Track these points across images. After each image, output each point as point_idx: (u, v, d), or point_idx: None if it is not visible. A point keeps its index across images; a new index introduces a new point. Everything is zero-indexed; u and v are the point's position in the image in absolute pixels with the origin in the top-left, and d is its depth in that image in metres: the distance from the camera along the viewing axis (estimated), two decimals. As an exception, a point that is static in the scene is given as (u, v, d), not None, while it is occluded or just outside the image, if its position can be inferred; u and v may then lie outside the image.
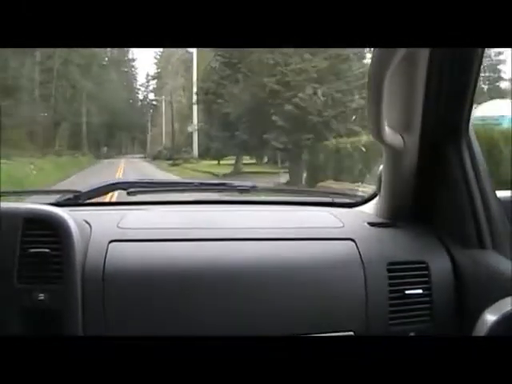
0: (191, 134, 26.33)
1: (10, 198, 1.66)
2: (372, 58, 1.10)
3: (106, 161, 29.47)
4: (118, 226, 1.35)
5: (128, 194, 1.66)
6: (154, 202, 1.86)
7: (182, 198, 1.85)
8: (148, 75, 46.32)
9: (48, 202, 1.55)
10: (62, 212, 1.25)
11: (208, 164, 21.10)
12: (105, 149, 38.58)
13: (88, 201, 1.65)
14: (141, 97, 46.81)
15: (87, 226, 1.32)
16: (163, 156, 29.39)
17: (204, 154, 23.83)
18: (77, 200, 1.63)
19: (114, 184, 1.68)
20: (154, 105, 43.67)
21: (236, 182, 1.78)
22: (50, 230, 1.20)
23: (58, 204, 1.50)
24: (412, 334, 1.27)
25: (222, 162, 21.16)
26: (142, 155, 38.83)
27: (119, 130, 44.44)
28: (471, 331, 0.99)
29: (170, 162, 24.73)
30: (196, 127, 25.24)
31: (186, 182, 1.81)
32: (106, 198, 1.90)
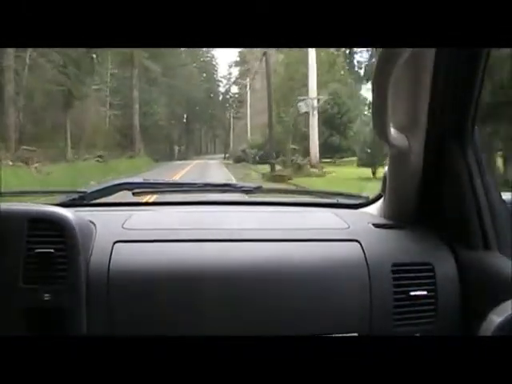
0: (305, 116, 15.43)
1: (14, 198, 1.66)
2: (377, 59, 1.10)
3: (170, 164, 23.17)
4: (122, 227, 1.35)
5: (133, 194, 1.67)
6: (159, 203, 1.86)
7: (187, 198, 1.85)
8: (230, 62, 40.60)
9: (53, 202, 1.55)
10: (67, 212, 1.25)
11: (347, 178, 11.02)
12: (177, 148, 31.56)
13: (93, 201, 1.66)
14: (222, 89, 40.91)
15: (92, 226, 1.32)
16: (249, 158, 22.39)
17: (331, 154, 14.54)
18: (82, 200, 1.64)
19: (119, 184, 1.69)
20: (237, 98, 36.85)
21: (240, 183, 1.78)
22: (55, 231, 1.20)
23: (62, 204, 1.51)
24: (417, 335, 1.27)
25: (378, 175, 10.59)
26: (223, 155, 32.47)
27: (198, 127, 37.81)
28: (476, 333, 0.99)
29: (262, 167, 15.83)
30: (315, 103, 14.52)
31: (190, 183, 1.81)
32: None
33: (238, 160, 24.19)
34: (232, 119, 35.90)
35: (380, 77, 1.11)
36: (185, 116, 35.28)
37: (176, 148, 32.31)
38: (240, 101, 34.97)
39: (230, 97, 40.02)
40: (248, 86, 30.42)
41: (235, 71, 38.65)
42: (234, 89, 39.67)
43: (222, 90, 41.46)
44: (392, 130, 1.24)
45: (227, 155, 32.00)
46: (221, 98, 41.11)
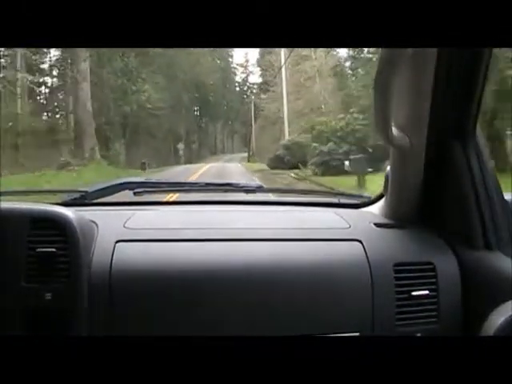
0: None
1: (15, 197, 1.67)
2: (379, 59, 1.10)
3: (163, 174, 14.33)
4: (124, 226, 1.35)
5: (134, 194, 1.67)
6: (161, 202, 1.86)
7: (189, 198, 1.86)
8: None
9: (54, 201, 1.56)
10: (69, 212, 1.25)
11: None
12: (181, 147, 23.61)
13: (94, 201, 1.66)
14: (239, 79, 34.45)
15: (94, 225, 1.33)
16: (298, 161, 14.03)
17: None
18: (83, 200, 1.64)
19: (120, 184, 1.69)
20: (259, 85, 29.13)
21: (242, 182, 1.78)
22: (57, 230, 1.20)
23: (64, 204, 1.51)
24: (418, 335, 1.26)
25: None
26: (243, 155, 25.47)
27: (212, 121, 30.81)
28: (477, 333, 0.99)
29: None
30: None
31: (192, 183, 1.82)
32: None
33: (277, 164, 15.19)
34: (253, 112, 28.17)
35: (382, 76, 1.11)
36: (195, 108, 28.87)
37: (181, 147, 23.98)
38: (264, 85, 26.23)
39: (248, 87, 34.37)
40: (283, 58, 20.66)
41: (254, 55, 32.70)
42: (252, 78, 34.85)
43: (238, 79, 35.29)
44: (394, 130, 1.24)
45: (251, 154, 23.71)
46: (238, 88, 35.14)
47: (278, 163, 15.63)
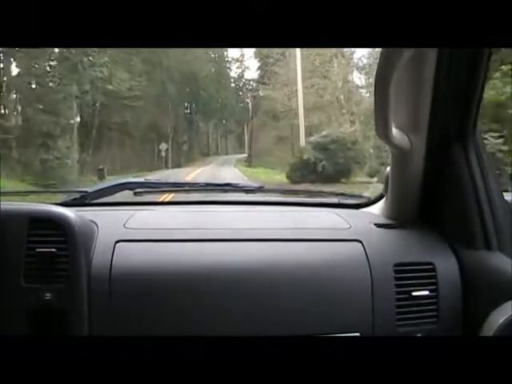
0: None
1: (15, 197, 1.67)
2: (379, 59, 1.10)
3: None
4: (124, 226, 1.35)
5: (135, 194, 1.67)
6: (161, 203, 1.86)
7: (189, 198, 1.86)
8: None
9: (55, 202, 1.56)
10: (69, 212, 1.25)
11: None
12: (164, 147, 19.45)
13: (94, 201, 1.66)
14: (234, 74, 30.95)
15: (94, 225, 1.33)
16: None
17: None
18: (83, 200, 1.64)
19: (121, 184, 1.69)
20: (261, 73, 24.82)
21: (242, 183, 1.78)
22: (57, 230, 1.20)
23: (64, 204, 1.51)
24: (418, 335, 1.26)
25: None
26: (239, 156, 22.53)
27: (205, 119, 27.68)
28: (477, 332, 0.99)
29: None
30: None
31: (192, 183, 1.82)
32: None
33: (304, 174, 10.14)
34: (251, 106, 25.35)
35: (382, 77, 1.11)
36: (185, 104, 26.04)
37: (163, 148, 19.86)
38: (268, 69, 21.77)
39: (244, 83, 31.58)
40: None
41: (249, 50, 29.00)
42: (249, 74, 32.89)
43: (233, 74, 31.52)
44: (394, 130, 1.24)
45: (250, 156, 20.55)
46: (233, 84, 31.81)
47: (305, 173, 10.14)
